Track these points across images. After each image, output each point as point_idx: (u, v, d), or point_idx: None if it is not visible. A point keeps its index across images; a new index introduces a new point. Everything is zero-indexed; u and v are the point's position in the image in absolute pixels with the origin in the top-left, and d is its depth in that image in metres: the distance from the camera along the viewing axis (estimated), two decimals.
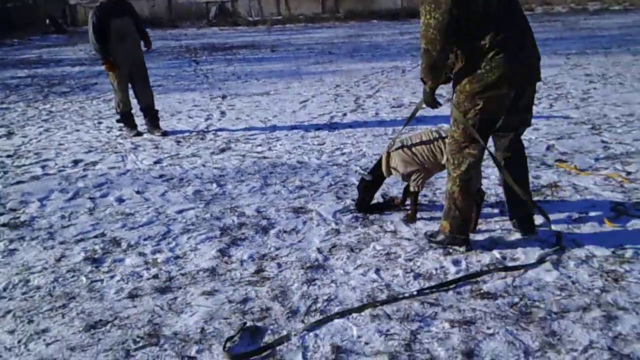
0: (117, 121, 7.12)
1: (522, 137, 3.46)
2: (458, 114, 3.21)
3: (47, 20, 33.81)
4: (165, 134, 6.89)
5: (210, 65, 13.91)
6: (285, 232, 3.87)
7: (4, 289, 3.26)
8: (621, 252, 3.25)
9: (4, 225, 4.24)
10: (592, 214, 3.81)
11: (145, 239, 3.86)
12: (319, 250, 3.53)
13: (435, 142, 3.69)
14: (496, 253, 3.36)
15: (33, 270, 3.48)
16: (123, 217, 4.28)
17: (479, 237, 3.58)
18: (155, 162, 5.73)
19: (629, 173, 4.58)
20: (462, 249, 3.37)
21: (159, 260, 3.53)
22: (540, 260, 3.19)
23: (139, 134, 6.92)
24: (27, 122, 8.11)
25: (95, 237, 3.95)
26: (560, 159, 5.06)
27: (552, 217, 3.69)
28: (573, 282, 2.99)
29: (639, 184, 4.34)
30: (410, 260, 3.34)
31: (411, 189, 3.83)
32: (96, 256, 3.64)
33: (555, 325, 2.62)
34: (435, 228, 3.59)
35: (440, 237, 3.45)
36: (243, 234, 3.87)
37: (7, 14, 30.41)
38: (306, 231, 3.86)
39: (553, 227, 3.46)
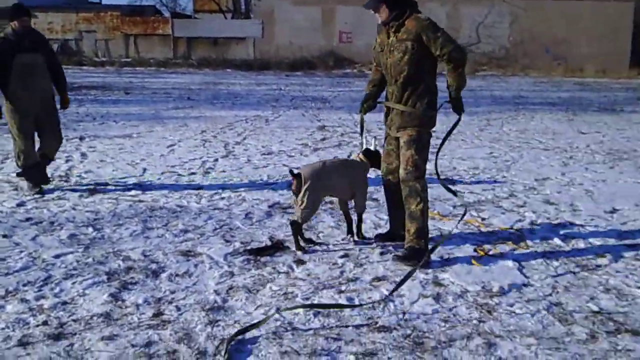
0: (18, 175, 6.06)
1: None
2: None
3: None
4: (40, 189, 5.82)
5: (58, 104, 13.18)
6: (177, 275, 3.83)
7: None
8: (489, 287, 3.70)
9: None
10: (460, 254, 4.28)
11: (24, 285, 3.60)
12: (217, 292, 3.56)
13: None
14: (383, 289, 3.64)
15: None
16: None
17: (366, 275, 3.85)
18: (19, 205, 5.34)
19: (483, 219, 5.21)
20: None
21: (45, 307, 3.31)
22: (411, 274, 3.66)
23: (42, 190, 5.77)
24: None
25: None
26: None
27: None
28: (454, 315, 3.35)
29: (493, 228, 4.95)
30: (307, 299, 3.50)
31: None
32: None
33: (446, 352, 2.93)
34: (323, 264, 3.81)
35: (417, 255, 3.95)
36: (132, 278, 3.77)
37: None
38: (199, 274, 3.86)
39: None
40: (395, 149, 4.20)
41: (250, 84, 21.68)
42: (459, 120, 4.24)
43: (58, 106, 6.08)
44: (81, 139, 9.10)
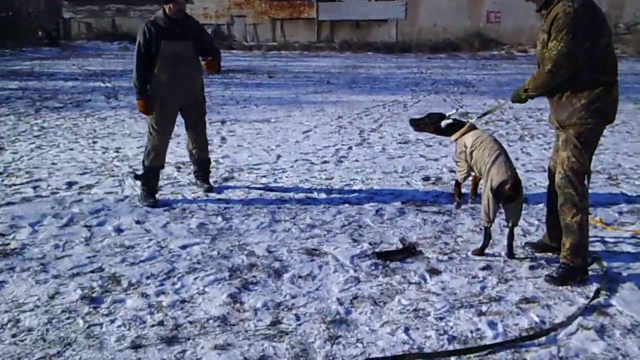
0: (136, 177, 5.21)
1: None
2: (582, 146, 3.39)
3: (40, 32, 33.57)
4: (210, 190, 5.39)
5: (207, 87, 13.65)
6: (300, 277, 3.57)
7: None
8: None
9: None
10: (630, 275, 3.57)
11: (147, 277, 3.55)
12: (340, 302, 3.25)
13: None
14: (533, 315, 3.10)
15: (24, 308, 3.14)
16: (123, 250, 3.96)
17: (512, 295, 3.32)
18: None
19: None
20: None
21: (163, 304, 3.21)
22: (574, 316, 2.99)
23: (155, 203, 4.97)
24: (18, 137, 7.77)
25: (93, 271, 3.62)
26: None
27: (590, 275, 3.48)
28: (623, 356, 2.73)
29: None
30: (441, 319, 3.06)
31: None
32: (94, 295, 3.31)
33: None
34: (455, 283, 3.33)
35: (572, 274, 3.44)
36: (254, 277, 3.57)
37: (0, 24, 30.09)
38: (323, 277, 3.57)
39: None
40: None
41: (390, 67, 21.15)
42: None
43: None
44: (223, 122, 9.26)
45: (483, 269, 3.66)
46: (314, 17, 36.64)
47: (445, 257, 3.84)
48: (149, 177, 5.05)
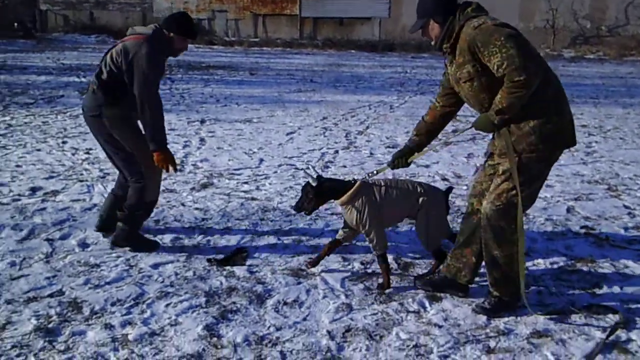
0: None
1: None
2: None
3: (16, 24, 32.61)
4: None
5: (186, 84, 13.23)
6: (285, 303, 3.20)
7: None
8: None
9: None
10: None
11: (112, 304, 3.14)
12: (331, 335, 2.88)
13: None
14: (547, 352, 2.77)
15: None
16: (87, 270, 3.55)
17: (522, 327, 2.99)
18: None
19: None
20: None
21: (129, 337, 2.81)
22: (594, 354, 2.66)
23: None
24: None
25: (51, 295, 3.21)
26: (586, 226, 4.55)
27: (601, 302, 3.16)
28: None
29: None
30: (445, 357, 2.71)
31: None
32: (51, 325, 2.90)
33: None
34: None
35: (504, 306, 3.10)
36: (234, 303, 3.19)
37: None
38: (311, 304, 3.20)
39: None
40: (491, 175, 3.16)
41: (374, 66, 20.83)
42: (465, 130, 3.45)
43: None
44: (202, 122, 8.83)
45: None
46: (297, 14, 36.21)
47: None
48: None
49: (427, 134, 3.39)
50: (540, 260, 3.87)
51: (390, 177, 5.32)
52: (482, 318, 3.06)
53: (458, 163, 6.56)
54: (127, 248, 3.85)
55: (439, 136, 3.50)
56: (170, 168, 3.72)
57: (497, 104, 2.82)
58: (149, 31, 3.69)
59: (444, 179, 5.81)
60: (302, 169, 6.08)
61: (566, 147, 3.06)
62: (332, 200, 3.48)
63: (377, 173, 3.52)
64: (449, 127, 8.10)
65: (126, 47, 3.59)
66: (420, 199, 3.39)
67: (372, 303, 3.22)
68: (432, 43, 3.09)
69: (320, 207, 3.56)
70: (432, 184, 5.62)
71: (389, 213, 3.40)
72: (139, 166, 3.78)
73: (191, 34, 3.81)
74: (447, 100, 3.27)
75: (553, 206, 5.03)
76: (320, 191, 3.38)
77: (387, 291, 3.35)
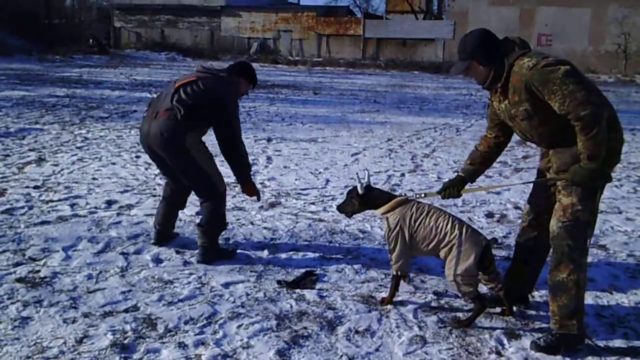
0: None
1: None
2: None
3: (91, 40, 34.27)
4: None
5: (252, 102, 13.44)
6: (357, 332, 3.13)
7: None
8: None
9: (20, 280, 3.58)
10: None
11: (186, 322, 3.16)
12: None
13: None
14: None
15: (48, 355, 2.78)
16: (161, 286, 3.60)
17: None
18: (198, 213, 5.07)
19: None
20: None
21: (203, 358, 2.81)
22: None
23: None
24: (60, 147, 7.59)
25: (127, 311, 3.26)
26: None
27: None
28: None
29: None
30: None
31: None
32: (126, 341, 2.94)
33: None
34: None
35: (565, 342, 2.92)
36: (305, 328, 3.15)
37: (52, 31, 30.84)
38: (383, 334, 3.12)
39: None
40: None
41: (438, 87, 20.64)
42: (548, 180, 3.14)
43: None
44: (268, 140, 8.94)
45: None
46: (360, 34, 36.47)
47: (521, 317, 3.34)
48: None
49: (481, 163, 3.39)
50: (624, 300, 3.65)
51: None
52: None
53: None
54: (202, 265, 3.91)
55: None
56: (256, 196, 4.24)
57: (583, 152, 2.74)
58: (224, 73, 4.04)
59: (516, 207, 5.62)
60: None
61: (617, 163, 2.97)
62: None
63: (425, 196, 3.45)
64: (519, 153, 7.87)
65: (208, 84, 3.88)
66: (448, 245, 3.17)
67: (447, 337, 3.11)
68: (481, 85, 3.06)
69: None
70: (504, 212, 5.47)
71: (416, 241, 3.27)
72: (212, 187, 4.01)
73: (255, 80, 4.28)
74: (498, 131, 3.28)
75: (635, 241, 4.77)
76: (364, 199, 3.43)
77: (387, 306, 3.40)
